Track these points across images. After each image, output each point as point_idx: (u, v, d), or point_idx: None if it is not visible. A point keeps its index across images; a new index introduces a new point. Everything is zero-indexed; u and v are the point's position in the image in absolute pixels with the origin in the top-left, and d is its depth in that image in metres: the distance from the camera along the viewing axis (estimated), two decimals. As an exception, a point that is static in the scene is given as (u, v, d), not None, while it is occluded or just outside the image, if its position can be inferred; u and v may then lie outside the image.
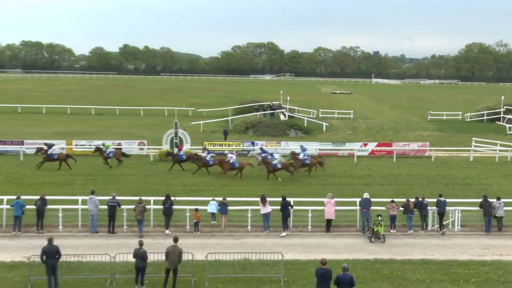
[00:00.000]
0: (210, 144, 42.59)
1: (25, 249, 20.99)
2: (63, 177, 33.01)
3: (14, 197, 23.55)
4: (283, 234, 23.30)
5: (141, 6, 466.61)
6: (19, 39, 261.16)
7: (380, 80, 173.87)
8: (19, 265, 19.34)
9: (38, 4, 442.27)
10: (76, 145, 41.23)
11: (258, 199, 24.38)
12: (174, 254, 17.66)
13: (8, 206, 23.38)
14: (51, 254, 17.45)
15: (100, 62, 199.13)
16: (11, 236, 22.67)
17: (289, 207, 23.67)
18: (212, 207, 24.04)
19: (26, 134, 49.02)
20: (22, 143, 40.63)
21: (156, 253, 18.81)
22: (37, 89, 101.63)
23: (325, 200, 24.23)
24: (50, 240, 17.80)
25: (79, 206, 23.91)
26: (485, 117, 66.19)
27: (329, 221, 24.04)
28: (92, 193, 23.67)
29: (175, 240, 18.19)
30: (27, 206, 23.15)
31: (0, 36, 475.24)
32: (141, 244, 17.99)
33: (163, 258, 18.11)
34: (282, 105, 64.27)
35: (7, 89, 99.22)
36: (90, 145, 41.30)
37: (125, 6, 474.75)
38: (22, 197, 23.68)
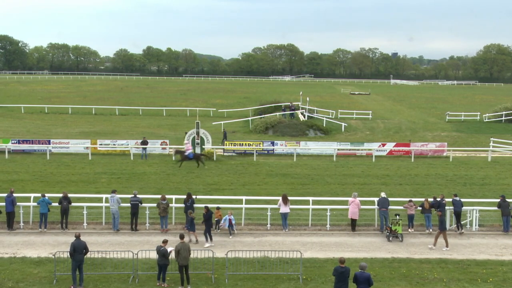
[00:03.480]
0: (231, 143, 43.08)
1: (50, 245, 21.59)
2: (87, 175, 33.71)
3: (41, 195, 24.22)
4: (207, 244, 21.96)
5: (164, 10, 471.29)
6: (46, 42, 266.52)
7: (398, 81, 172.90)
8: (45, 261, 19.84)
9: (65, 8, 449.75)
10: (100, 144, 42.00)
11: (277, 198, 24.76)
12: (184, 251, 18.00)
13: (35, 204, 24.05)
14: (79, 249, 17.95)
15: (124, 64, 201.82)
16: (37, 233, 23.31)
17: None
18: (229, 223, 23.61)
19: (52, 134, 50.11)
20: (49, 143, 41.49)
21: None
22: (64, 90, 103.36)
23: (349, 199, 24.44)
24: (78, 236, 18.31)
25: (103, 204, 24.51)
26: (503, 118, 65.53)
27: (353, 220, 24.27)
28: (113, 192, 24.18)
29: (182, 237, 18.55)
30: (53, 204, 23.77)
31: (29, 39, 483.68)
32: (164, 242, 18.31)
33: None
34: (295, 105, 64.85)
35: (35, 90, 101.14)
36: (114, 144, 42.14)
37: (149, 9, 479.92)
38: (49, 195, 24.37)
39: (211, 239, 22.24)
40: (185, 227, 22.85)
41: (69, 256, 18.06)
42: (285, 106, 64.14)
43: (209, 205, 24.23)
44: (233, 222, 23.42)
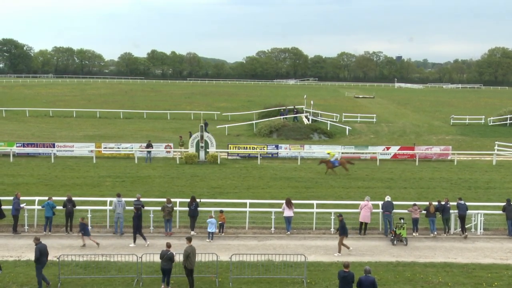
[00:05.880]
0: (235, 147, 43.11)
1: (55, 248, 21.51)
2: (92, 178, 33.74)
3: (46, 198, 24.33)
4: (132, 245, 22.20)
5: (168, 13, 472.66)
6: (51, 45, 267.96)
7: (402, 85, 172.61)
8: (49, 264, 19.62)
9: (68, 12, 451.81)
10: (105, 147, 42.05)
11: (281, 201, 24.78)
12: (194, 254, 18.01)
13: (40, 207, 24.13)
14: (44, 253, 18.04)
15: (128, 67, 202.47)
16: (42, 236, 23.14)
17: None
18: (212, 227, 23.28)
19: (57, 137, 50.25)
20: (53, 146, 41.55)
21: (181, 254, 19.17)
22: (68, 94, 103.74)
23: (362, 203, 24.36)
24: (39, 239, 18.38)
25: (107, 207, 24.51)
26: (508, 121, 65.21)
27: (363, 224, 24.21)
28: (119, 196, 24.21)
29: (190, 239, 18.52)
30: (57, 207, 23.83)
31: (33, 43, 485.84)
32: (168, 246, 18.27)
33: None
34: (297, 109, 64.88)
35: (40, 94, 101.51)
36: (118, 148, 42.23)
37: (153, 12, 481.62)
38: (53, 198, 24.38)
39: (144, 239, 22.30)
40: (80, 232, 22.21)
41: (35, 261, 17.91)
42: (283, 109, 64.04)
43: (215, 209, 24.37)
44: (214, 227, 23.22)
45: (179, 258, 18.50)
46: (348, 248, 21.71)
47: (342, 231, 21.61)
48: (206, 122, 56.92)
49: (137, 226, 22.30)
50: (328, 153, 38.39)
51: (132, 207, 23.69)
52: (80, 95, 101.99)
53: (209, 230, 23.18)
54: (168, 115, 70.33)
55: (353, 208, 25.12)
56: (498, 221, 25.08)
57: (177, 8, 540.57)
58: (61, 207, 23.88)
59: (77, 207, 24.18)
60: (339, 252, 21.53)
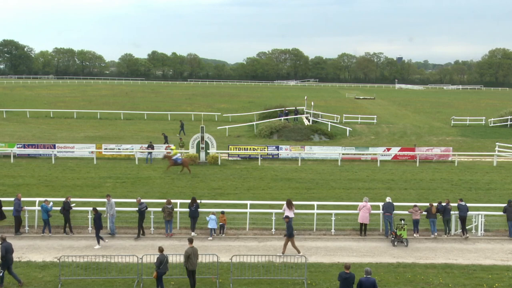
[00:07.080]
0: (235, 148, 43.09)
1: (55, 249, 21.66)
2: (92, 179, 33.75)
3: (47, 199, 24.31)
4: (97, 247, 22.15)
5: (169, 14, 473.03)
6: (51, 47, 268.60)
7: (403, 86, 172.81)
8: (50, 265, 19.91)
9: (70, 13, 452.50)
10: (105, 148, 42.04)
11: (282, 202, 24.79)
12: (195, 255, 18.01)
13: (39, 208, 24.12)
14: (10, 251, 18.20)
15: (129, 68, 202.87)
16: (42, 237, 23.36)
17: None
18: (213, 223, 23.50)
19: (58, 138, 50.23)
20: (54, 147, 41.56)
21: (182, 255, 19.15)
22: (69, 95, 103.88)
23: (360, 204, 24.37)
24: (5, 238, 18.57)
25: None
26: (508, 122, 65.20)
27: (363, 225, 24.19)
28: (110, 197, 24.27)
29: (192, 241, 18.50)
30: (54, 208, 23.85)
31: (34, 44, 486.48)
32: (161, 250, 18.14)
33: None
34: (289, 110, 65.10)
35: (40, 95, 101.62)
36: (118, 149, 42.24)
37: (154, 13, 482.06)
38: (54, 199, 24.48)
39: (101, 240, 22.40)
40: None
41: (0, 259, 18.13)
42: (281, 111, 64.02)
43: (215, 210, 24.37)
44: (215, 223, 23.42)
45: (179, 258, 18.46)
46: (298, 252, 21.32)
47: (288, 232, 21.50)
48: (183, 122, 56.97)
49: (99, 227, 22.30)
50: (172, 149, 38.44)
51: (136, 209, 23.86)
52: (81, 96, 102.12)
53: (209, 226, 23.31)
54: (169, 116, 70.34)
55: (353, 209, 25.11)
56: (498, 222, 25.07)
57: (178, 9, 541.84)
58: (57, 208, 23.90)
59: (78, 208, 24.19)
60: (283, 253, 21.27)
